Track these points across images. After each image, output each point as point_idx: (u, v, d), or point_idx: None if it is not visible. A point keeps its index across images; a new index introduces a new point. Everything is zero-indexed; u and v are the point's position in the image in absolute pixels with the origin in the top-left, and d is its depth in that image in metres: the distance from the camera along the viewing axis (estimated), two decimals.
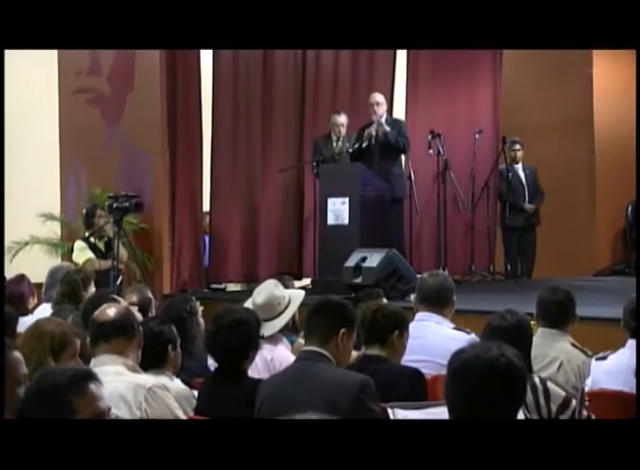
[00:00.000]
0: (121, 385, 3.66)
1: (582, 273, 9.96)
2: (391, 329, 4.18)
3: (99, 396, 2.43)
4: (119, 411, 3.53)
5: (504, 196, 10.18)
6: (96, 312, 4.04)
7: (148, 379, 3.87)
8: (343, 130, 9.42)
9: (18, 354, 2.95)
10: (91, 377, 2.46)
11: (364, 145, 9.04)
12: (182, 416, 3.80)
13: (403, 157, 9.47)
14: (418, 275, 6.68)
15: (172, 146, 9.36)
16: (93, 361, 3.84)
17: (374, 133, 9.02)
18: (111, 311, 3.97)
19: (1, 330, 4.30)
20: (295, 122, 10.29)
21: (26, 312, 6.28)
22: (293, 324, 5.14)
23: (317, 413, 1.85)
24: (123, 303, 5.02)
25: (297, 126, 10.31)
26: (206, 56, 9.63)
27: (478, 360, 2.54)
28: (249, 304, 5.03)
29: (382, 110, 9.25)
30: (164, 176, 9.29)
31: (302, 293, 5.37)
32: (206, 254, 9.91)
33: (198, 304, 5.23)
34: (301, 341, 4.53)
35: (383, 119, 9.22)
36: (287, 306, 5.06)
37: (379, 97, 9.33)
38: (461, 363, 2.56)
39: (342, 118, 9.46)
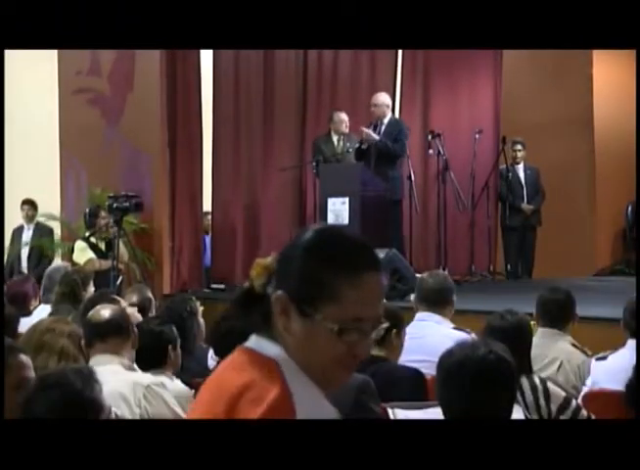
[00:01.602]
0: (120, 384, 3.68)
1: (582, 273, 9.95)
2: (389, 328, 4.19)
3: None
4: (119, 410, 3.54)
5: (504, 196, 10.19)
6: (90, 313, 4.05)
7: (145, 377, 3.89)
8: (347, 128, 9.40)
9: (24, 358, 2.94)
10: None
11: (363, 147, 9.03)
12: (181, 413, 3.82)
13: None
14: (418, 275, 6.67)
15: (172, 146, 9.36)
16: (91, 361, 3.84)
17: (371, 139, 9.00)
18: (105, 312, 3.99)
19: (1, 330, 4.30)
20: (296, 122, 10.29)
21: (28, 313, 6.28)
22: None
23: None
24: (123, 303, 5.02)
25: (299, 126, 10.30)
26: (207, 56, 9.63)
27: (468, 360, 2.57)
28: None
29: (380, 111, 9.20)
30: (164, 176, 9.29)
31: None
32: (207, 253, 9.91)
33: (198, 304, 5.23)
34: None
35: (386, 120, 9.18)
36: None
37: (378, 98, 9.29)
38: (451, 365, 2.59)
39: (345, 116, 9.44)
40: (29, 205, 9.80)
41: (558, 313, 4.73)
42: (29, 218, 9.82)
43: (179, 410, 3.81)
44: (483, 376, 2.56)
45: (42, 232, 9.75)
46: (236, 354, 1.74)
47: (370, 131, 9.03)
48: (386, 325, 4.47)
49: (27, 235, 9.79)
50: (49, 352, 3.67)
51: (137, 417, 3.66)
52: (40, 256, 9.60)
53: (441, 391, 2.62)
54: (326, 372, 1.70)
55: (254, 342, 1.73)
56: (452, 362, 2.59)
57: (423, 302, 4.92)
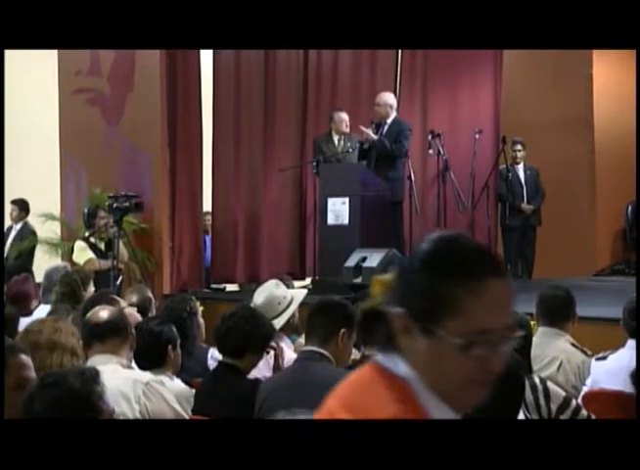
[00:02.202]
0: (120, 381, 3.69)
1: (582, 273, 9.95)
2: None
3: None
4: (119, 407, 3.55)
5: (503, 196, 10.19)
6: (89, 314, 4.06)
7: (144, 374, 3.90)
8: (347, 127, 9.39)
9: (24, 358, 2.95)
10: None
11: (365, 146, 9.03)
12: (180, 410, 3.83)
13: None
14: None
15: (172, 146, 9.36)
16: (89, 361, 3.84)
17: (371, 137, 9.00)
18: (104, 313, 3.99)
19: (1, 330, 4.30)
20: (296, 122, 10.29)
21: (29, 313, 6.28)
22: (294, 323, 5.16)
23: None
24: (123, 303, 5.03)
25: (299, 126, 10.30)
26: (207, 56, 9.63)
27: None
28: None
29: (383, 111, 9.17)
30: (164, 176, 9.29)
31: (304, 292, 5.38)
32: (207, 253, 9.91)
33: (198, 304, 5.24)
34: (302, 340, 4.54)
35: (389, 120, 9.17)
36: (288, 306, 5.07)
37: (381, 98, 9.26)
38: None
39: (346, 115, 9.43)
40: (15, 205, 9.80)
41: (558, 310, 4.72)
42: (15, 219, 9.83)
43: (178, 407, 3.83)
44: (505, 376, 2.58)
45: (23, 233, 9.74)
46: (367, 370, 1.63)
47: (368, 130, 9.02)
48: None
49: (12, 235, 9.81)
50: (62, 350, 3.68)
51: (137, 414, 3.67)
52: (15, 256, 9.58)
53: None
54: (458, 392, 1.59)
55: (384, 359, 1.62)
56: None
57: None
